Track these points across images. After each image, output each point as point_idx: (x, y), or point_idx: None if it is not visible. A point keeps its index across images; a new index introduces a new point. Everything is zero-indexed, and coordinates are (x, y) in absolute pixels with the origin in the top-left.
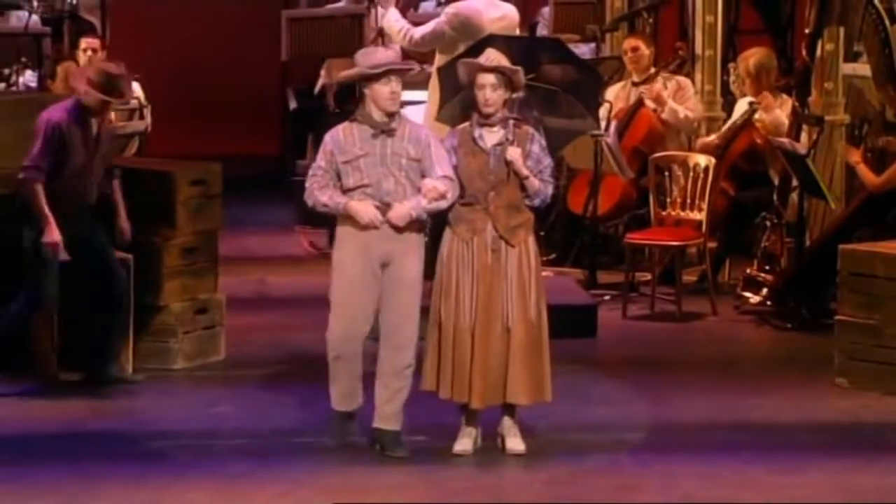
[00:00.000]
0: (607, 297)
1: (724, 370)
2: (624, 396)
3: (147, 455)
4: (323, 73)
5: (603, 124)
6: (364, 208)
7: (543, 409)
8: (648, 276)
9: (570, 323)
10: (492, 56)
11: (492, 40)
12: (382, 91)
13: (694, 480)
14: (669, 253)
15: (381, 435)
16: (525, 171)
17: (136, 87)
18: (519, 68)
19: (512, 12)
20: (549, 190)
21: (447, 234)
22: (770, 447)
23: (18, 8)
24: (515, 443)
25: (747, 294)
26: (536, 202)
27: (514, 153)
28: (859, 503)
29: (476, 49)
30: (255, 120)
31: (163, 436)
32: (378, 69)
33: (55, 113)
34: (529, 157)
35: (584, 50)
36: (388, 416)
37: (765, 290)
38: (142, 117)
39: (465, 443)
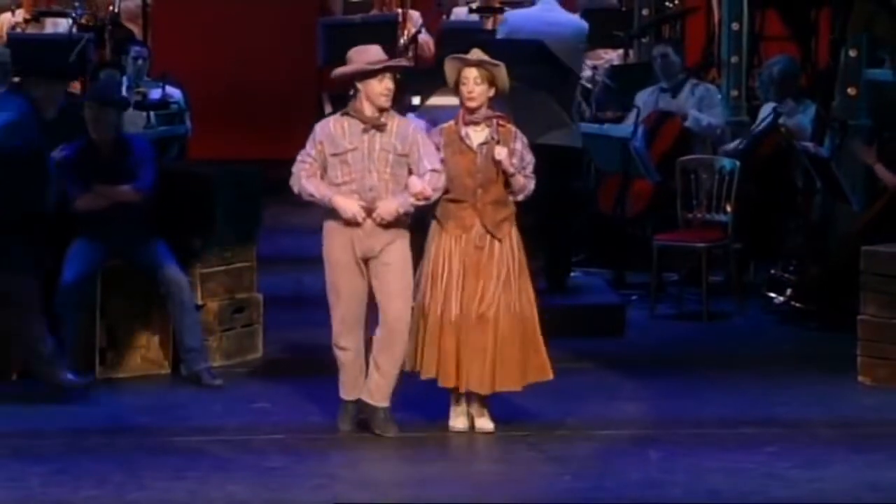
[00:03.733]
0: (635, 297)
1: (750, 368)
2: (651, 393)
3: (189, 449)
4: None
5: (630, 129)
6: (348, 204)
7: (572, 405)
8: (675, 277)
9: (598, 322)
10: (476, 54)
11: (479, 44)
12: (377, 87)
13: (721, 475)
14: (696, 253)
15: (371, 411)
16: (512, 170)
17: (177, 93)
18: (501, 63)
19: (569, 22)
20: (532, 185)
21: (435, 229)
22: (795, 443)
23: (61, 15)
24: (484, 422)
25: (772, 294)
26: (520, 198)
27: (501, 152)
28: (882, 497)
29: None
30: (291, 124)
31: (203, 430)
32: (376, 66)
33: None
34: (514, 154)
35: (612, 56)
36: (378, 392)
37: (789, 291)
38: (182, 122)
39: (460, 420)
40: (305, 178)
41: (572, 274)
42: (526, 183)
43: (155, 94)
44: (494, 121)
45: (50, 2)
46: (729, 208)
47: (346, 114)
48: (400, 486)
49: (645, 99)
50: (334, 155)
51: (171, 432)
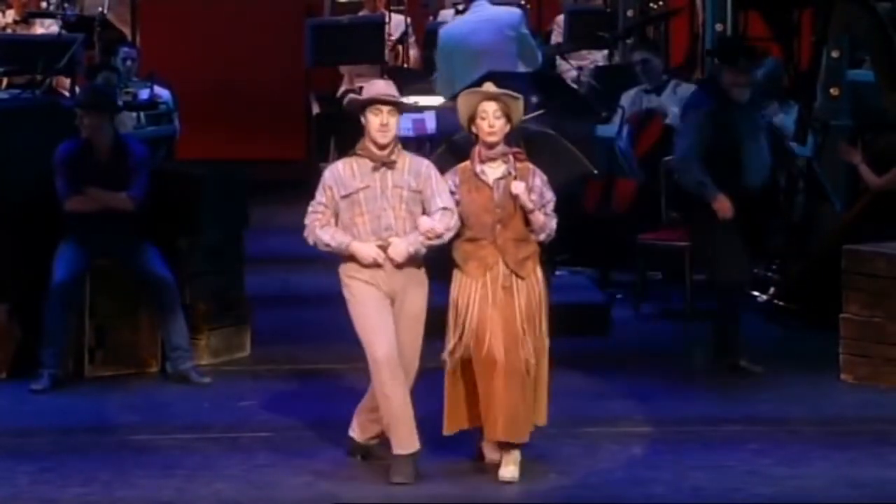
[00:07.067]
0: (619, 296)
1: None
2: (636, 392)
3: (176, 447)
4: (345, 79)
5: (615, 128)
6: (366, 249)
7: (557, 403)
8: (660, 275)
9: (583, 320)
10: (491, 88)
11: (490, 76)
12: (373, 122)
13: (704, 472)
14: (680, 252)
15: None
16: (530, 205)
17: (165, 93)
18: (520, 96)
19: (499, 13)
20: (553, 224)
21: (455, 276)
22: (777, 440)
23: (51, 16)
24: (510, 470)
25: (755, 293)
26: (542, 237)
27: (518, 187)
28: (862, 494)
29: (474, 86)
30: (279, 125)
31: (191, 428)
32: (374, 98)
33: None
34: (532, 190)
35: (596, 57)
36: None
37: (772, 289)
38: (169, 122)
39: (511, 469)
40: (320, 228)
41: (557, 273)
42: (547, 221)
43: (143, 94)
44: (511, 156)
45: (39, 1)
46: None
47: (355, 154)
48: (387, 484)
49: (630, 99)
50: (345, 196)
51: (159, 430)
